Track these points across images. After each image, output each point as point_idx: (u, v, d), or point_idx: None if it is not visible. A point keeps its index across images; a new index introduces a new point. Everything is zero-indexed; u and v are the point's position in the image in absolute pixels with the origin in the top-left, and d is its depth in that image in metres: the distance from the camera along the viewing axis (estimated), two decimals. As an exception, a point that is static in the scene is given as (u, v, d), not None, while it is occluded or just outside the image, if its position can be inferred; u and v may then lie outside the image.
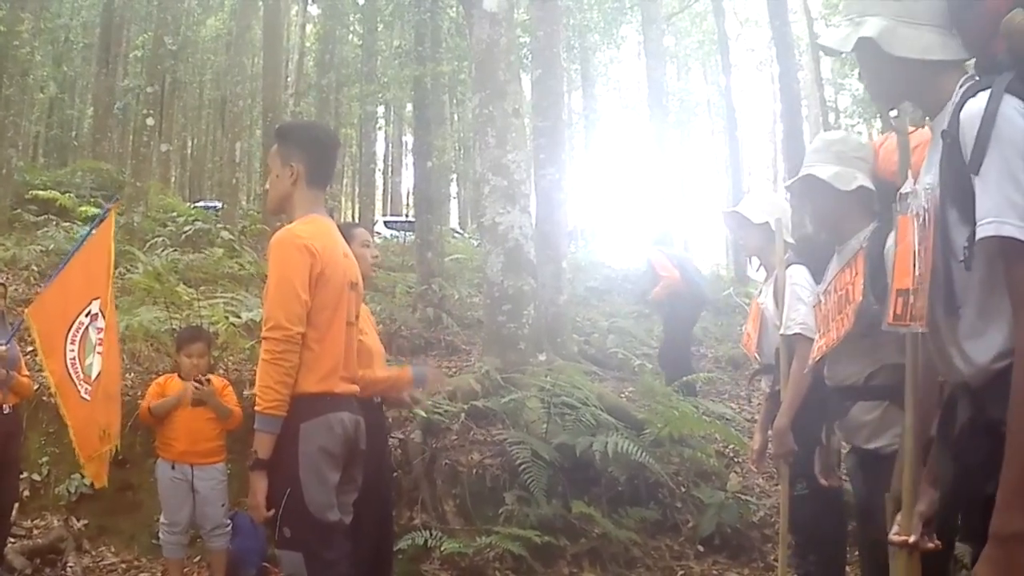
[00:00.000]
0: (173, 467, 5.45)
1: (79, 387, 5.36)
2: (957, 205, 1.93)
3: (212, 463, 5.52)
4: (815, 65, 28.67)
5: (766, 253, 4.51)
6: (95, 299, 5.43)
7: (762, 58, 39.77)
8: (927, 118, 2.32)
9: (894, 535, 2.32)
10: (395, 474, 6.15)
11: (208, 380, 5.52)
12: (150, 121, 16.35)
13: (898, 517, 2.34)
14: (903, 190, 2.34)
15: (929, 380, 2.37)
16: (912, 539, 2.24)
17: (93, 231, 5.74)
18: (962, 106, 1.93)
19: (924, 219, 2.07)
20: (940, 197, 1.99)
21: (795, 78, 17.41)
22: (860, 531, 3.60)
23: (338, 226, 3.79)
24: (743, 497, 6.66)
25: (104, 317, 5.39)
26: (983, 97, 1.88)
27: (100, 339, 5.35)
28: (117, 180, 18.05)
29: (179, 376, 5.69)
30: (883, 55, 2.09)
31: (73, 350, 5.38)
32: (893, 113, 2.69)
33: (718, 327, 13.77)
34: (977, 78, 2.01)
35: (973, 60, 2.11)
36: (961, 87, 2.03)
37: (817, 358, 3.42)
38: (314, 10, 29.80)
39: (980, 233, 1.81)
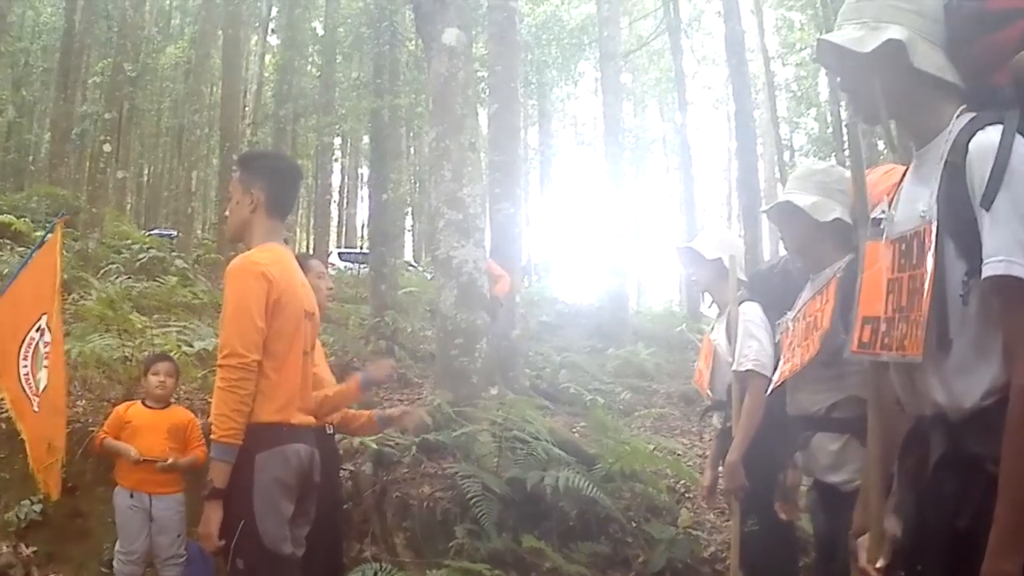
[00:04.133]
0: (131, 495, 5.37)
1: (31, 400, 5.33)
2: (955, 238, 1.90)
3: (170, 492, 5.45)
4: (771, 103, 29.10)
5: (719, 289, 4.54)
6: (44, 314, 5.38)
7: (718, 96, 40.25)
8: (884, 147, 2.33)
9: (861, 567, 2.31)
10: (346, 506, 6.10)
11: (168, 462, 5.39)
12: (107, 147, 16.27)
13: (863, 540, 2.34)
14: (874, 215, 2.32)
15: (892, 411, 2.35)
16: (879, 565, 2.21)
17: (40, 246, 5.69)
18: (970, 138, 1.90)
19: (912, 245, 2.04)
20: (938, 228, 1.95)
21: (751, 116, 17.73)
22: (822, 568, 3.57)
23: (295, 257, 3.79)
24: (694, 532, 6.67)
25: (51, 331, 5.33)
26: (994, 131, 1.86)
27: (47, 353, 5.30)
28: (73, 206, 17.88)
29: (143, 403, 5.64)
30: (900, 65, 2.02)
31: (26, 366, 5.33)
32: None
33: (670, 363, 13.86)
34: (972, 112, 2.00)
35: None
36: (958, 117, 2.02)
37: (779, 383, 3.43)
38: (273, 40, 29.81)
39: (987, 271, 1.79)
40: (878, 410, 2.33)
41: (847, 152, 23.15)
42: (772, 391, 3.64)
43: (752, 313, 4.11)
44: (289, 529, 3.30)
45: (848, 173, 3.36)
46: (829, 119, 27.85)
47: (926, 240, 1.98)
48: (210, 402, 3.32)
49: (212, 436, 3.18)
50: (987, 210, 1.81)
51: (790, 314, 3.49)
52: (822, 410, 3.23)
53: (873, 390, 2.37)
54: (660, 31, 27.32)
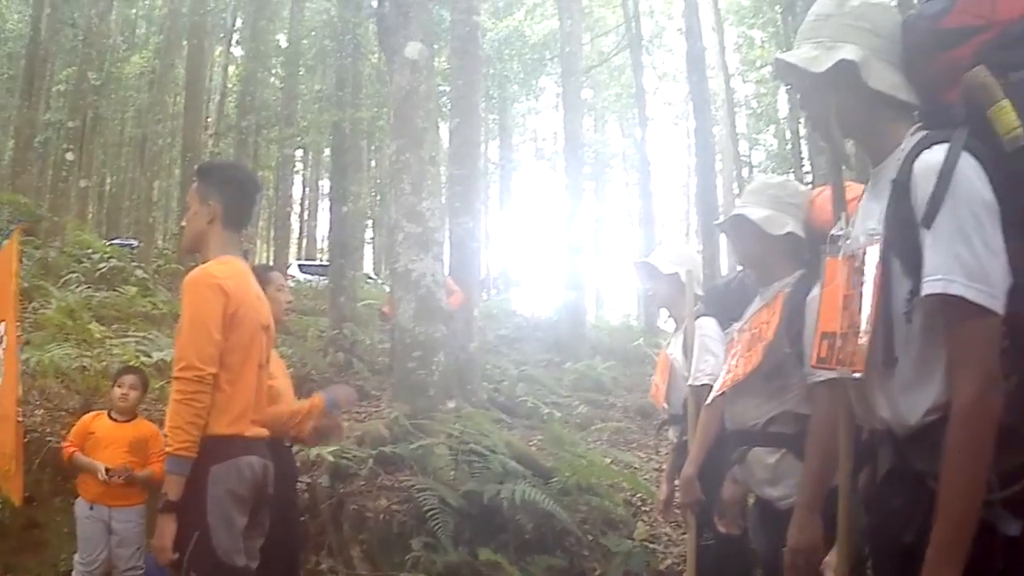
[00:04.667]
0: (91, 507, 5.36)
1: None
2: (901, 256, 1.92)
3: (131, 505, 5.42)
4: (730, 120, 29.40)
5: (675, 304, 4.54)
6: (1, 321, 5.31)
7: (678, 112, 40.58)
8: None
9: None
10: (302, 519, 6.07)
11: (126, 473, 5.35)
12: (70, 156, 16.18)
13: (829, 559, 2.36)
14: (834, 232, 2.33)
15: (832, 428, 2.35)
16: None
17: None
18: (916, 156, 1.93)
19: (862, 262, 2.06)
20: (884, 246, 1.98)
21: (710, 133, 17.90)
22: None
23: (253, 269, 3.78)
24: (650, 546, 6.70)
25: (6, 338, 5.26)
26: (940, 150, 1.87)
27: (1, 359, 5.23)
28: (35, 214, 17.70)
29: (108, 415, 5.62)
30: (854, 84, 2.06)
31: None
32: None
33: (627, 377, 13.91)
34: (925, 130, 2.02)
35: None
36: (911, 135, 2.04)
37: (720, 392, 3.44)
38: (238, 51, 29.63)
39: (926, 289, 1.82)
40: (848, 427, 2.29)
41: (805, 168, 23.49)
42: (713, 401, 3.65)
43: (708, 328, 4.13)
44: (243, 541, 3.28)
45: (803, 187, 3.40)
46: (788, 136, 28.21)
47: (875, 255, 2.00)
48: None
49: (167, 448, 3.16)
50: (928, 228, 1.83)
51: (736, 325, 3.50)
52: (759, 424, 3.22)
53: (844, 407, 2.33)
54: (622, 47, 27.53)
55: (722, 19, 30.90)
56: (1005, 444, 1.76)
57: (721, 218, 3.85)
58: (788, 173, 29.63)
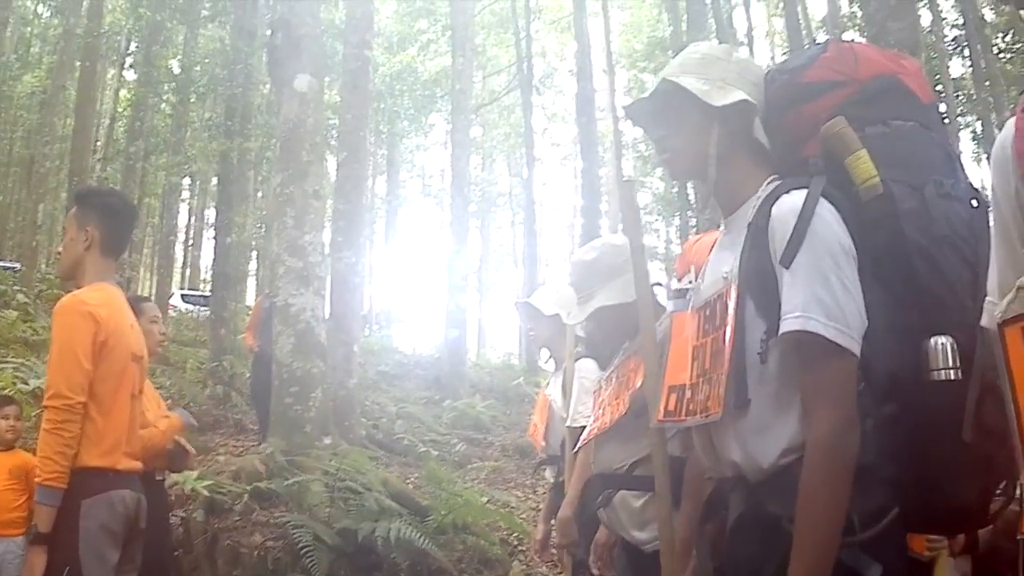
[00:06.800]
0: None
1: None
2: (755, 298, 1.93)
3: (11, 535, 5.18)
4: (617, 162, 29.85)
5: (556, 345, 4.56)
6: None
7: (566, 153, 41.09)
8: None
9: None
10: (176, 553, 5.93)
11: None
12: (-46, 176, 15.52)
13: None
14: (680, 286, 2.36)
15: (700, 475, 2.35)
16: None
17: None
18: (775, 201, 1.93)
19: (715, 309, 2.06)
20: (738, 289, 1.97)
21: (597, 174, 18.14)
22: None
23: (128, 298, 3.70)
24: (525, 585, 6.73)
25: None
26: (799, 195, 1.89)
27: None
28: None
29: None
30: (739, 128, 2.09)
31: None
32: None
33: (507, 416, 13.98)
34: (782, 180, 2.04)
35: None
36: (768, 184, 2.05)
37: (587, 439, 3.44)
38: (130, 75, 28.91)
39: (784, 327, 1.82)
40: (697, 476, 2.31)
41: (691, 213, 23.97)
42: (579, 448, 3.67)
43: (588, 370, 4.12)
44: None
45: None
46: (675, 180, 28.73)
47: (728, 298, 2.01)
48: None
49: (37, 479, 3.07)
50: (787, 268, 1.86)
51: (604, 373, 3.49)
52: (624, 467, 3.19)
53: (664, 456, 2.41)
54: (513, 87, 27.85)
55: (614, 62, 31.54)
56: (864, 486, 1.79)
57: (571, 320, 3.80)
58: (674, 216, 30.33)
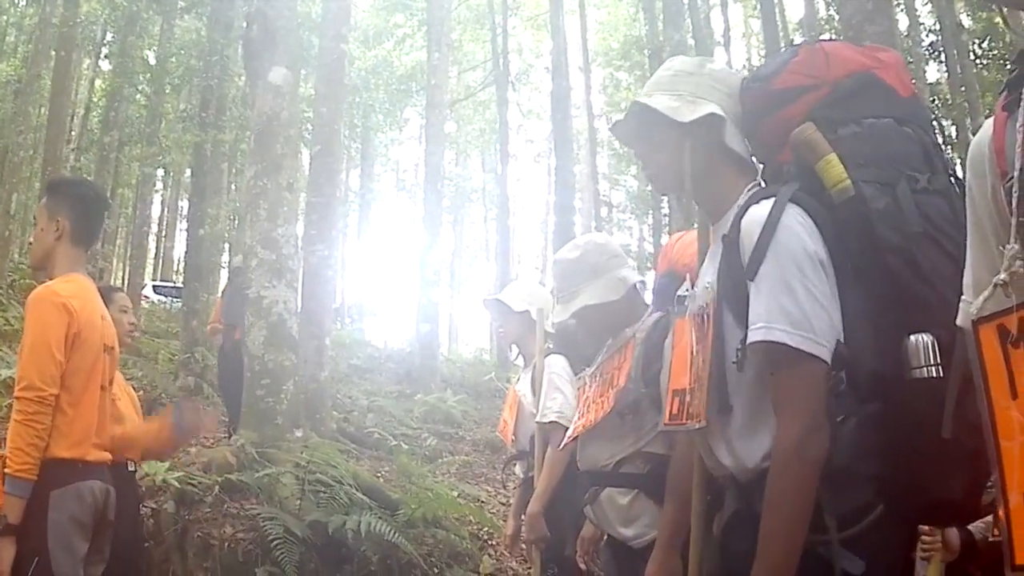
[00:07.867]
0: None
1: None
2: (732, 308, 1.97)
3: None
4: (592, 160, 29.84)
5: (525, 341, 4.56)
6: None
7: (541, 150, 41.09)
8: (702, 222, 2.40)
9: None
10: (146, 544, 5.91)
11: None
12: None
13: None
14: (680, 292, 2.39)
15: (690, 468, 2.37)
16: None
17: None
18: (745, 212, 1.98)
19: (703, 317, 2.10)
20: (717, 298, 2.03)
21: (571, 171, 18.15)
22: None
23: (98, 288, 3.69)
24: (494, 580, 6.76)
25: None
26: (766, 205, 1.93)
27: None
28: None
29: None
30: (712, 140, 2.14)
31: None
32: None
33: (477, 411, 14.00)
34: (761, 186, 2.11)
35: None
36: (747, 193, 2.11)
37: (572, 437, 3.45)
38: (105, 65, 28.61)
39: (751, 337, 1.87)
40: (702, 479, 2.30)
41: (664, 210, 24.01)
42: (564, 446, 3.70)
43: (557, 366, 4.16)
44: (83, 567, 3.20)
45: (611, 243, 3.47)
46: (649, 177, 28.78)
47: (710, 308, 2.07)
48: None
49: (6, 470, 3.06)
50: (751, 280, 1.91)
51: (588, 370, 3.51)
52: (610, 464, 3.21)
53: (696, 458, 2.36)
54: (488, 83, 27.88)
55: (590, 60, 31.55)
56: (844, 485, 1.84)
57: (553, 322, 3.78)
58: (647, 214, 30.40)
